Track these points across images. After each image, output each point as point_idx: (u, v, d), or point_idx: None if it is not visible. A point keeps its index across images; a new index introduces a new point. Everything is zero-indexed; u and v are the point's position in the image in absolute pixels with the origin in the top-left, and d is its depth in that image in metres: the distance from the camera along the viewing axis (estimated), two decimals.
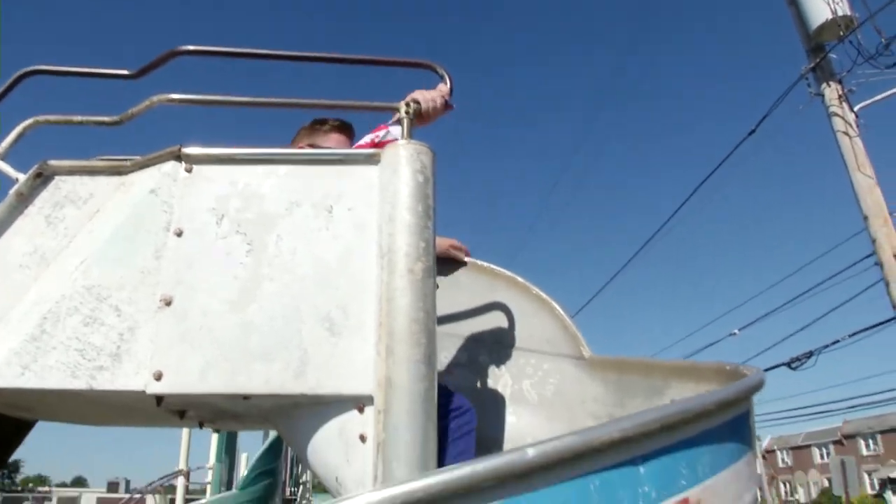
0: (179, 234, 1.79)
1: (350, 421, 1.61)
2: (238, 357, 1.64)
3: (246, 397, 1.65)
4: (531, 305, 2.35)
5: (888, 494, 46.19)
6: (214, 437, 9.38)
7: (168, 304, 1.72)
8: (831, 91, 11.34)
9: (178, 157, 1.87)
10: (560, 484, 0.87)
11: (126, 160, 1.98)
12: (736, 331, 16.29)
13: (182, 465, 10.44)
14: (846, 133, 11.18)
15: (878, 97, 11.52)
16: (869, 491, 46.47)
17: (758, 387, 1.19)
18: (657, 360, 2.01)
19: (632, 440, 0.92)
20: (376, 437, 1.52)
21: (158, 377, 1.65)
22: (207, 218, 1.79)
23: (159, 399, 1.69)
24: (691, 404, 1.00)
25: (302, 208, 1.78)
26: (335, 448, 1.63)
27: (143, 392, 1.65)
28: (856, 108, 11.41)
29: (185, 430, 10.16)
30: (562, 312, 2.28)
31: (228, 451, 9.23)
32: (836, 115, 11.27)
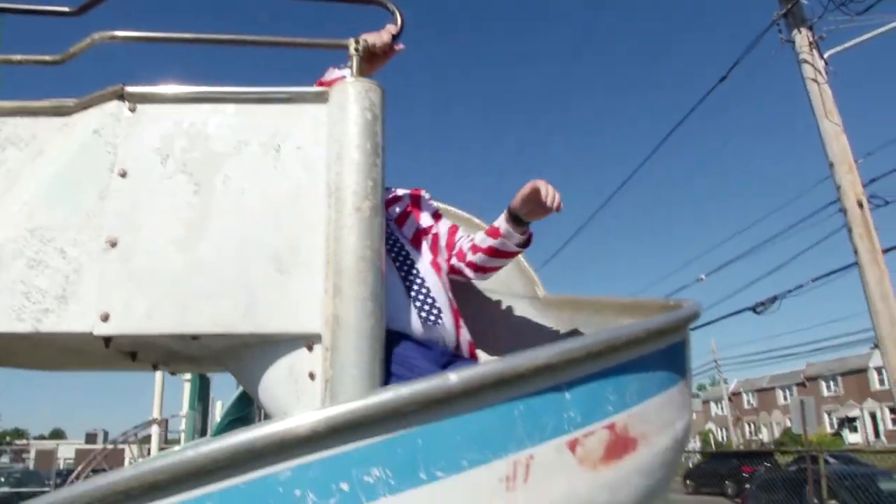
0: (124, 175, 1.76)
1: (299, 359, 1.62)
2: (185, 297, 1.64)
3: (195, 337, 1.65)
4: None
5: (845, 432, 48.12)
6: (187, 385, 9.41)
7: (114, 245, 1.70)
8: (802, 38, 11.33)
9: (122, 97, 1.82)
10: (484, 409, 0.89)
11: (69, 101, 1.92)
12: (703, 276, 16.61)
13: (156, 414, 10.48)
14: (815, 80, 11.22)
15: (849, 44, 11.55)
16: (828, 430, 48.29)
17: (690, 318, 1.21)
18: (608, 298, 2.04)
19: (556, 367, 0.93)
20: (324, 374, 1.53)
21: (105, 318, 1.64)
22: (152, 158, 1.76)
23: (107, 340, 1.68)
24: (618, 333, 1.02)
25: (249, 147, 1.76)
26: (285, 386, 1.64)
27: (91, 334, 1.64)
28: (826, 55, 11.43)
29: (158, 379, 10.16)
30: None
31: (202, 398, 9.27)
32: (806, 62, 11.29)
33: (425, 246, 2.27)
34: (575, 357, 0.95)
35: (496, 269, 2.28)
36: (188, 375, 8.98)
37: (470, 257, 2.25)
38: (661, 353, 1.10)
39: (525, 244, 2.18)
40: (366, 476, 0.83)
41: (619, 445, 0.97)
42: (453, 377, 0.87)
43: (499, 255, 2.21)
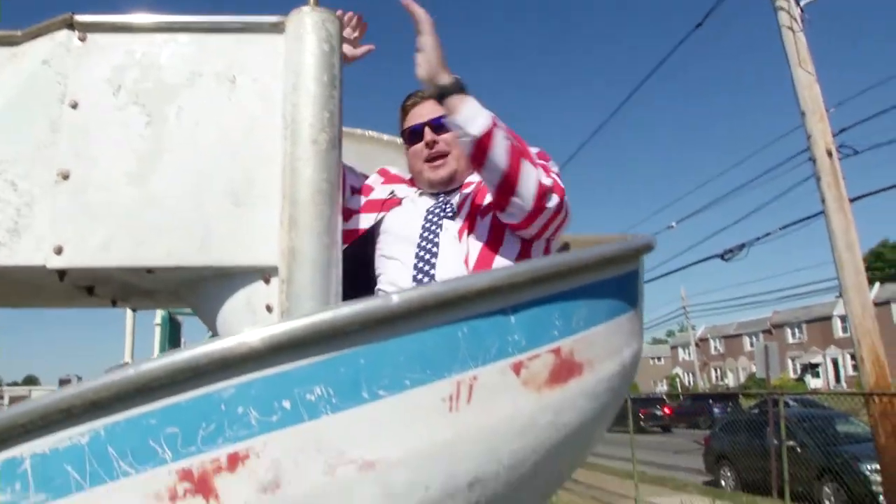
0: (75, 107, 1.71)
1: (256, 292, 1.62)
2: (139, 230, 1.62)
3: (149, 270, 1.63)
4: None
5: (808, 377, 49.77)
6: (158, 329, 9.39)
7: (66, 177, 1.67)
8: None
9: (71, 26, 1.76)
10: (427, 330, 0.89)
11: (16, 31, 1.85)
12: (673, 223, 16.83)
13: (127, 358, 10.46)
14: (790, 28, 11.19)
15: None
16: (791, 375, 49.83)
17: (642, 249, 1.22)
18: (570, 235, 2.05)
19: (501, 290, 0.93)
20: (281, 307, 1.54)
21: (59, 251, 1.62)
22: (104, 89, 1.71)
23: (62, 274, 1.67)
24: (564, 258, 1.02)
25: (204, 79, 1.72)
26: (243, 319, 1.64)
27: (44, 267, 1.62)
28: (802, 3, 11.39)
29: (128, 322, 10.11)
30: None
31: (172, 341, 9.26)
32: (782, 9, 11.25)
33: (479, 231, 1.82)
34: (519, 281, 0.95)
35: (501, 185, 1.66)
36: (158, 319, 8.95)
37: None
38: (612, 282, 1.11)
39: (486, 131, 1.62)
40: (308, 394, 0.84)
41: (565, 369, 0.98)
42: (395, 298, 0.87)
43: (475, 161, 1.71)
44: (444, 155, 1.99)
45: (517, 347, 0.95)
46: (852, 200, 10.88)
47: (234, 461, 0.82)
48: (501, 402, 0.93)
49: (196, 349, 0.83)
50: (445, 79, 1.65)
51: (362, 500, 0.84)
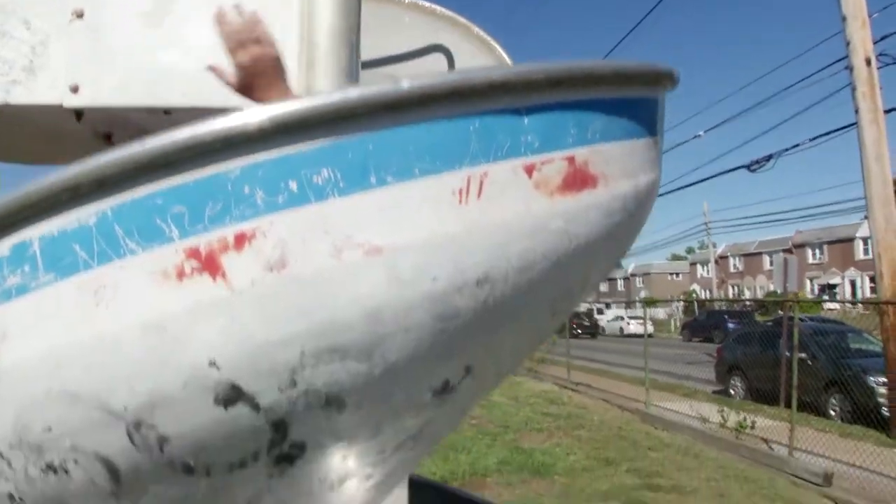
0: None
1: None
2: (155, 70, 1.60)
3: (167, 111, 1.63)
4: (472, 47, 2.29)
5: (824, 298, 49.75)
6: None
7: (80, 16, 1.65)
8: None
9: None
10: (437, 120, 0.88)
11: None
12: (701, 133, 16.48)
13: None
14: None
15: None
16: (809, 295, 49.77)
17: (663, 75, 1.16)
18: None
19: (513, 87, 0.91)
20: None
21: (75, 90, 1.61)
22: None
23: (79, 114, 1.67)
24: (582, 64, 0.99)
25: None
26: None
27: (61, 105, 1.62)
28: None
29: None
30: (502, 53, 2.23)
31: None
32: None
33: None
34: (533, 79, 0.92)
35: None
36: None
37: None
38: (630, 102, 1.07)
39: None
40: (315, 176, 0.83)
41: (578, 179, 0.97)
42: (405, 83, 0.85)
43: None
44: None
45: (530, 148, 0.93)
46: (887, 112, 10.55)
47: (240, 240, 0.82)
48: (512, 200, 0.91)
49: (198, 125, 0.83)
50: None
51: (368, 284, 0.84)
